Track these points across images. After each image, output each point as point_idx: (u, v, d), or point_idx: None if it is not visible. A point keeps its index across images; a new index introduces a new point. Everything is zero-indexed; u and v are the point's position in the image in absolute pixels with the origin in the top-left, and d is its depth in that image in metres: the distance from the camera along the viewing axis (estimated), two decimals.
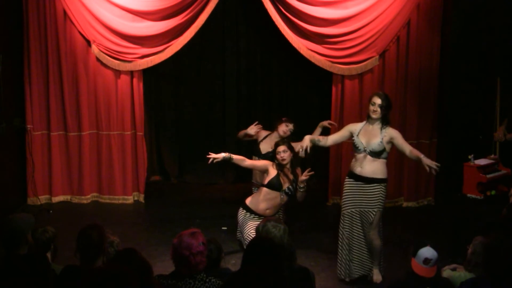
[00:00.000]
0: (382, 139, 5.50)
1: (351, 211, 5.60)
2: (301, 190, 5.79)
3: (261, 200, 5.80)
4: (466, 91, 7.94)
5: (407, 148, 5.58)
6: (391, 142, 5.55)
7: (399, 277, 4.39)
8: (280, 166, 5.78)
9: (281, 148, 5.78)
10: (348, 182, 5.66)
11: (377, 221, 5.57)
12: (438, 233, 6.75)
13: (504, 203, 5.76)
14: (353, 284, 5.70)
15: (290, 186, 5.79)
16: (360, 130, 5.61)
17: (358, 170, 5.56)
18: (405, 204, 8.04)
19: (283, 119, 6.62)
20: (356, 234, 5.63)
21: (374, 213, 5.54)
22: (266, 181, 5.80)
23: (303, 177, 5.71)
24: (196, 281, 3.63)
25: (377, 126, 5.56)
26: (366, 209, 5.56)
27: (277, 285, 2.69)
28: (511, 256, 3.51)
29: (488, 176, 6.91)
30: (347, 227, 5.63)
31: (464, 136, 7.92)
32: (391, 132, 5.56)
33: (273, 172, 5.77)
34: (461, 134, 7.95)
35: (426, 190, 8.11)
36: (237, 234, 6.25)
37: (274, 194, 5.76)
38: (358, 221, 5.59)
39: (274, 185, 5.75)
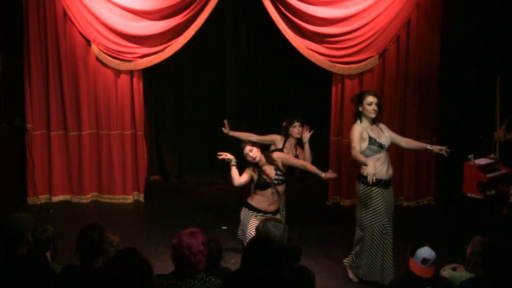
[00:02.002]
0: (387, 133, 5.58)
1: (388, 216, 5.55)
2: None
3: (260, 199, 5.82)
4: (466, 91, 7.93)
5: (401, 138, 5.73)
6: None
7: (398, 277, 4.39)
8: (256, 166, 5.76)
9: (247, 149, 5.73)
10: (379, 191, 5.45)
11: None
12: (438, 233, 6.75)
13: (504, 202, 5.75)
14: (353, 284, 5.69)
15: (276, 177, 5.76)
16: (369, 130, 5.50)
17: (386, 173, 5.46)
18: (405, 204, 8.03)
19: (284, 124, 6.50)
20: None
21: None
22: (255, 185, 5.84)
23: (330, 175, 5.63)
24: (196, 281, 3.63)
25: (372, 123, 5.59)
26: (393, 207, 5.59)
27: (277, 285, 2.68)
28: (511, 256, 3.50)
29: (488, 175, 6.89)
30: (391, 232, 5.59)
31: (464, 136, 7.91)
32: (384, 126, 5.69)
33: (254, 174, 5.78)
34: (461, 134, 7.94)
35: (426, 190, 8.11)
36: (238, 233, 6.25)
37: (267, 191, 5.78)
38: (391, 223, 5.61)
39: (262, 184, 5.74)
